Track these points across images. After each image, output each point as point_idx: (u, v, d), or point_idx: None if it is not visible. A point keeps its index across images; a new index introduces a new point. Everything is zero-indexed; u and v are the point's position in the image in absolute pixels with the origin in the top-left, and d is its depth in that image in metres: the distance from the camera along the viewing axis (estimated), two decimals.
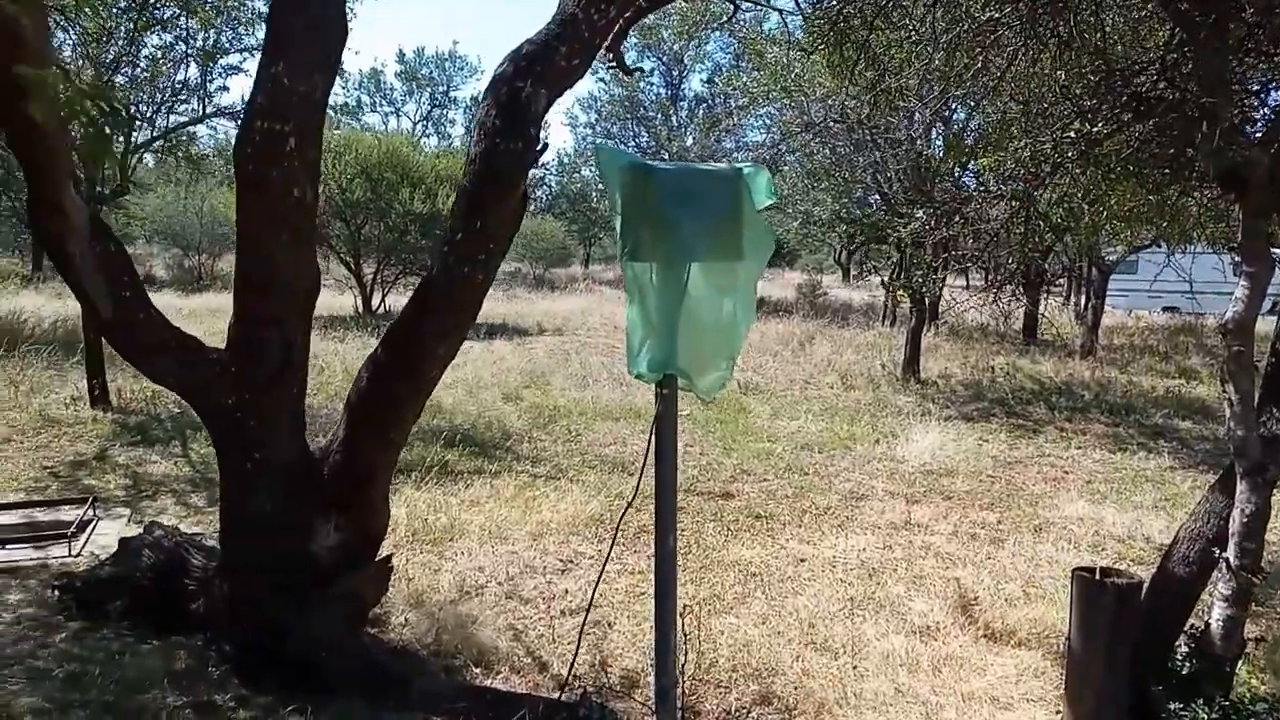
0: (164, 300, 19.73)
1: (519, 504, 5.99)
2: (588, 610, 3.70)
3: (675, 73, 37.94)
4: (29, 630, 3.97)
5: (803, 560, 5.34)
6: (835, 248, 36.43)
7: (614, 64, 5.54)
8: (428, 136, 44.57)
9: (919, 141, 10.40)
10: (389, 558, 3.98)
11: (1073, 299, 24.35)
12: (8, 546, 5.01)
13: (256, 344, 3.40)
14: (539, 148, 3.59)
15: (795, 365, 13.11)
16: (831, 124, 11.35)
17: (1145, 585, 3.49)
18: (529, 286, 28.93)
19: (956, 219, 4.99)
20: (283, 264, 3.30)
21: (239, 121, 4.54)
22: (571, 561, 5.17)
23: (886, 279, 9.34)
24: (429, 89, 47.63)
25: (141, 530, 4.45)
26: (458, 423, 8.56)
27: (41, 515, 5.53)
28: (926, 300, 7.16)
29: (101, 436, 7.58)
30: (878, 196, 14.23)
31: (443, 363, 3.60)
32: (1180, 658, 3.50)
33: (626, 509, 3.19)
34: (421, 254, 17.78)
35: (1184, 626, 3.61)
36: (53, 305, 15.26)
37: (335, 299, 20.31)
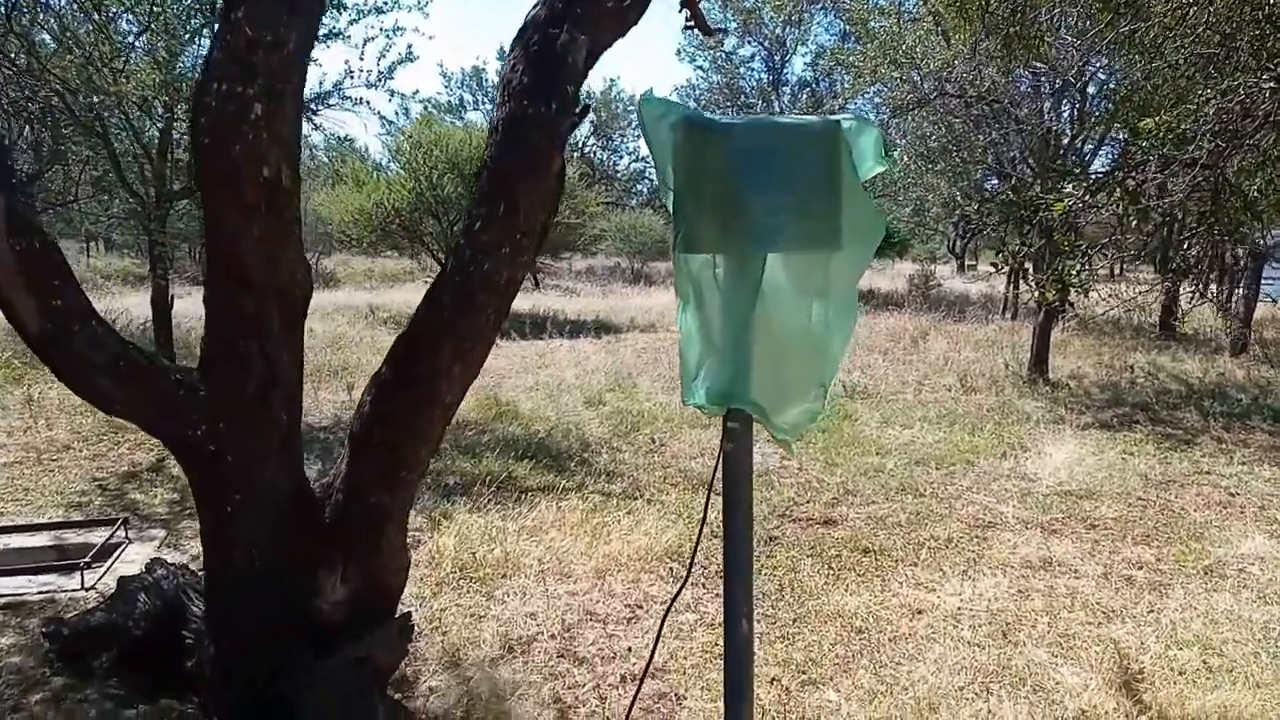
0: None
1: (585, 532, 5.25)
2: (638, 689, 2.93)
3: (777, 57, 36.57)
4: (6, 686, 3.46)
5: (919, 612, 4.42)
6: (949, 236, 34.62)
7: (691, 24, 4.64)
8: None
9: (1048, 114, 9.18)
10: (409, 615, 3.30)
11: (1213, 288, 22.25)
12: (28, 575, 4.57)
13: (231, 361, 2.74)
14: (579, 110, 2.83)
15: (907, 365, 12.02)
16: (948, 97, 10.20)
17: None
18: (626, 281, 28.37)
19: (1118, 195, 3.97)
20: (255, 262, 2.63)
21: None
22: (640, 607, 4.40)
23: (1030, 270, 8.15)
24: None
25: (144, 569, 3.91)
26: (533, 430, 7.93)
27: (73, 537, 5.10)
28: (1077, 295, 6.05)
29: (162, 444, 7.20)
30: (996, 180, 13.02)
31: (461, 382, 2.87)
32: None
33: (675, 598, 2.41)
34: None
35: None
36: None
37: None
